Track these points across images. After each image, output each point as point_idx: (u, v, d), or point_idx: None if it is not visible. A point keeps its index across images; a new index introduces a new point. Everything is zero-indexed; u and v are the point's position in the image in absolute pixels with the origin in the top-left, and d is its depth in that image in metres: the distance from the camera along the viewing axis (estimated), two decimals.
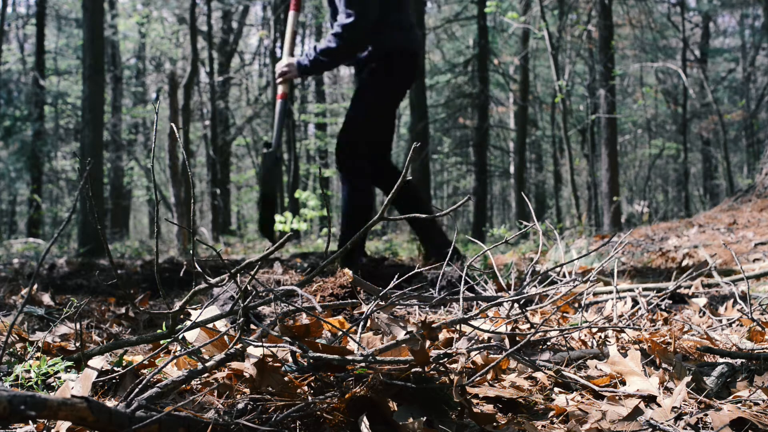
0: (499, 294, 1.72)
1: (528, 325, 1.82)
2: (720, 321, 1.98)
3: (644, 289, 2.57)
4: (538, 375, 1.34)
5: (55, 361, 1.29)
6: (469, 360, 1.36)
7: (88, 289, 3.12)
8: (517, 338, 1.54)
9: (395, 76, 3.50)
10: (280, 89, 3.66)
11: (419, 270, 1.49)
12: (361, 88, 3.53)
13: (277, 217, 7.05)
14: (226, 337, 1.31)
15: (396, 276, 1.48)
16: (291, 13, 3.69)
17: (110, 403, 1.06)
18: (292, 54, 3.65)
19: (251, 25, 20.41)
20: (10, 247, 8.62)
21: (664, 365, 1.40)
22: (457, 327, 1.52)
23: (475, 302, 1.88)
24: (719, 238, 4.70)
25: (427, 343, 1.27)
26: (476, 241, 1.92)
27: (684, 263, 3.66)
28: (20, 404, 0.77)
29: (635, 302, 2.29)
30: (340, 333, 1.34)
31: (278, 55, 13.85)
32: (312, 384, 1.14)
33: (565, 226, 9.84)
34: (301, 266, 3.48)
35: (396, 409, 1.04)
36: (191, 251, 1.17)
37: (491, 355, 1.42)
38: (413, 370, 1.12)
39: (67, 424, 0.98)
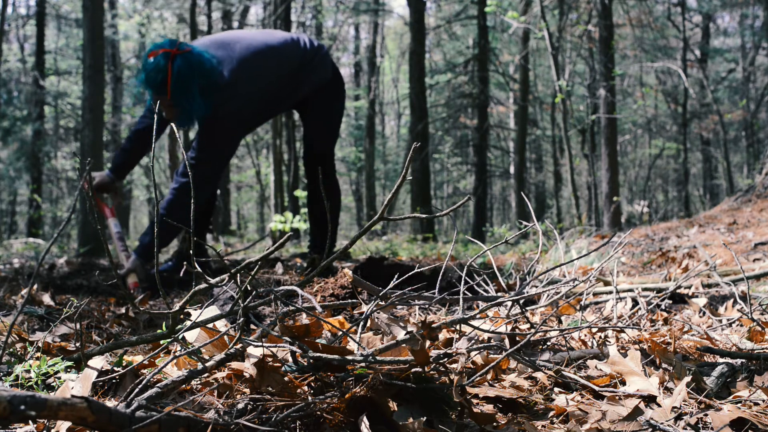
0: (499, 294, 1.72)
1: (528, 325, 1.81)
2: (720, 321, 1.98)
3: (644, 289, 2.57)
4: (538, 375, 1.34)
5: (55, 361, 1.29)
6: (469, 360, 1.36)
7: (88, 289, 3.11)
8: (517, 338, 1.54)
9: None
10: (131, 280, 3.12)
11: (419, 270, 1.49)
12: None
13: (277, 217, 7.04)
14: (226, 337, 1.31)
15: (396, 276, 1.48)
16: (109, 221, 3.32)
17: (110, 403, 1.06)
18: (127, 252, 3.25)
19: (251, 25, 20.40)
20: (10, 247, 8.61)
21: (664, 365, 1.40)
22: (457, 327, 1.52)
23: (474, 302, 1.88)
24: (719, 238, 4.69)
25: (427, 343, 1.27)
26: (476, 241, 1.92)
27: (684, 263, 3.66)
28: (20, 404, 0.77)
29: (635, 302, 2.29)
30: (340, 333, 1.34)
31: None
32: (312, 384, 1.14)
33: (565, 226, 9.83)
34: (301, 266, 3.48)
35: (396, 409, 1.04)
36: (191, 251, 1.17)
37: (491, 355, 1.42)
38: (413, 370, 1.12)
39: (67, 424, 0.98)
